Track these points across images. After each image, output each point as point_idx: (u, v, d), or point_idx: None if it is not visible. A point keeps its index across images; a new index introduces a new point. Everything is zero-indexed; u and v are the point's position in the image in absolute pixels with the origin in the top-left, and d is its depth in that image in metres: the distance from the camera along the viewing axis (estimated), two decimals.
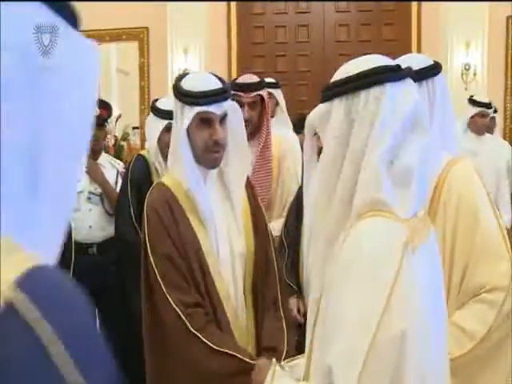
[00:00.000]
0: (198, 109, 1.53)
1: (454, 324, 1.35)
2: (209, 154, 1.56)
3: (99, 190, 2.94)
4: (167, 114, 2.46)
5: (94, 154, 3.00)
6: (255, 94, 2.42)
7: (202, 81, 1.60)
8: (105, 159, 3.07)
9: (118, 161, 3.22)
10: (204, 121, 1.55)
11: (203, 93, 1.54)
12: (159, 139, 2.53)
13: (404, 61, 1.20)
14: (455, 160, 1.47)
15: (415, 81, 1.43)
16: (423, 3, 5.38)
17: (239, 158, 1.66)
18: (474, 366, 1.39)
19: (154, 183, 1.67)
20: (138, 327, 2.53)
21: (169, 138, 2.42)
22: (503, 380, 1.41)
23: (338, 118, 1.03)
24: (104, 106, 3.05)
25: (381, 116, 0.99)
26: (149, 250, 1.54)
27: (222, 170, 1.64)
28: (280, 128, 3.39)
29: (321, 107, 1.07)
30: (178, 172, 1.61)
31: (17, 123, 0.48)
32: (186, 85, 1.57)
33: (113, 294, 2.86)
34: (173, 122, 1.64)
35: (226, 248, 1.59)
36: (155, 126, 2.55)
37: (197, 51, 5.40)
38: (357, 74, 1.03)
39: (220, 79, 1.62)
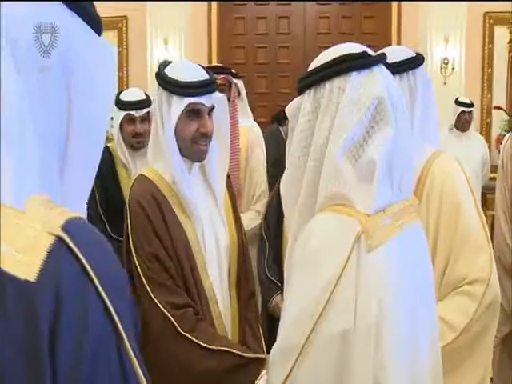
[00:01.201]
0: (189, 100, 1.46)
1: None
2: (196, 147, 1.51)
3: None
4: (125, 105, 2.51)
5: None
6: (222, 76, 2.46)
7: (189, 70, 1.53)
8: None
9: None
10: (193, 112, 1.49)
11: (195, 83, 1.48)
12: (121, 130, 2.52)
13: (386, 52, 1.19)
14: (438, 153, 1.47)
15: (396, 73, 1.42)
16: None
17: (221, 151, 1.62)
18: (455, 356, 1.39)
19: (136, 176, 1.60)
20: None
21: (132, 128, 2.49)
22: (483, 370, 1.43)
23: (306, 111, 1.01)
24: None
25: (342, 106, 0.96)
26: (132, 249, 1.46)
27: (204, 163, 1.59)
28: (241, 118, 3.45)
29: (294, 101, 1.06)
30: (160, 165, 1.55)
31: (53, 115, 0.63)
32: (174, 74, 1.50)
33: None
34: (155, 111, 1.57)
35: (212, 241, 1.56)
36: (116, 117, 2.52)
37: (177, 41, 5.33)
38: (321, 64, 1.01)
39: (205, 69, 1.57)
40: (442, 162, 1.45)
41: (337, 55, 1.00)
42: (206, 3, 5.49)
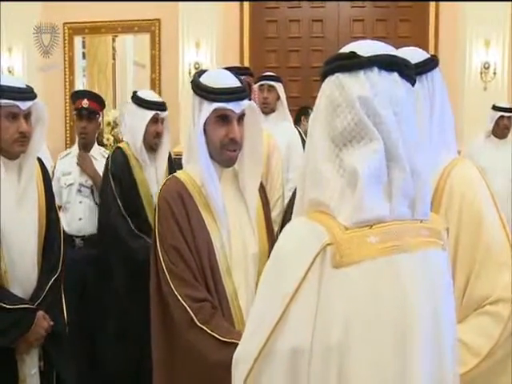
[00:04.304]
0: (216, 105, 1.53)
1: (456, 338, 1.25)
2: (224, 152, 1.56)
3: (90, 183, 2.91)
4: (153, 105, 2.64)
5: (85, 146, 2.97)
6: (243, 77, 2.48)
7: (221, 78, 1.60)
8: (97, 151, 3.04)
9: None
10: (221, 118, 1.55)
11: (222, 89, 1.54)
12: (146, 130, 2.61)
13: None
14: (456, 161, 1.35)
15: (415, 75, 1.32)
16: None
17: (254, 159, 1.64)
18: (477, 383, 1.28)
19: (169, 176, 1.69)
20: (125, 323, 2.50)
21: (154, 128, 2.62)
22: None
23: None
24: (95, 99, 3.00)
25: (322, 108, 0.92)
26: (157, 241, 1.53)
27: (237, 171, 1.64)
28: (280, 122, 3.39)
29: None
30: (192, 167, 1.60)
31: None
32: (206, 80, 1.58)
33: (98, 289, 2.83)
34: (191, 116, 1.62)
35: (239, 247, 1.58)
36: (141, 116, 2.62)
37: (209, 45, 5.33)
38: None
39: (239, 78, 1.63)
40: (460, 171, 1.33)
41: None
42: (238, 6, 5.46)
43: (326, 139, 0.90)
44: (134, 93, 2.73)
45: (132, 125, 2.67)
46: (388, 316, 0.85)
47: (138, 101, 2.65)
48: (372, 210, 0.86)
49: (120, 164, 2.64)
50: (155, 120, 2.62)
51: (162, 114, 2.67)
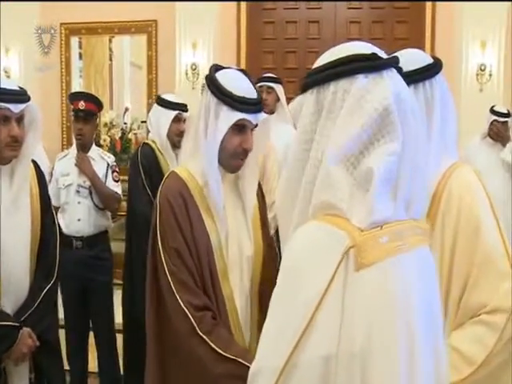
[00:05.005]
0: (240, 115, 1.50)
1: (451, 347, 1.23)
2: (235, 160, 1.57)
3: (88, 183, 2.91)
4: (175, 105, 2.95)
5: (83, 147, 2.97)
6: None
7: (243, 85, 1.56)
8: (95, 152, 3.05)
9: (108, 154, 3.20)
10: (238, 127, 1.53)
11: (247, 100, 1.52)
12: (169, 128, 2.90)
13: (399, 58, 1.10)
14: (455, 165, 1.34)
15: (411, 82, 1.31)
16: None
17: (253, 165, 1.66)
18: None
19: (168, 173, 1.66)
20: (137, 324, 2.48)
21: (177, 126, 2.91)
22: None
23: (307, 112, 0.94)
24: (92, 100, 3.00)
25: (344, 111, 0.88)
26: (159, 242, 1.51)
27: (238, 176, 1.64)
28: (280, 124, 3.37)
29: (296, 99, 0.99)
30: (194, 166, 1.57)
31: None
32: (226, 83, 1.52)
33: (101, 290, 2.81)
34: (201, 114, 1.57)
35: (235, 249, 1.57)
36: (165, 116, 2.91)
37: (205, 46, 5.32)
38: (326, 63, 0.93)
39: (253, 85, 1.60)
40: (459, 175, 1.31)
41: (343, 55, 0.92)
42: (234, 7, 5.45)
43: (340, 141, 0.88)
44: (158, 96, 3.08)
45: (157, 124, 2.95)
46: (399, 317, 0.85)
47: (162, 102, 2.97)
48: (382, 212, 0.86)
49: (149, 157, 2.88)
50: (178, 119, 2.92)
51: (184, 114, 2.97)
